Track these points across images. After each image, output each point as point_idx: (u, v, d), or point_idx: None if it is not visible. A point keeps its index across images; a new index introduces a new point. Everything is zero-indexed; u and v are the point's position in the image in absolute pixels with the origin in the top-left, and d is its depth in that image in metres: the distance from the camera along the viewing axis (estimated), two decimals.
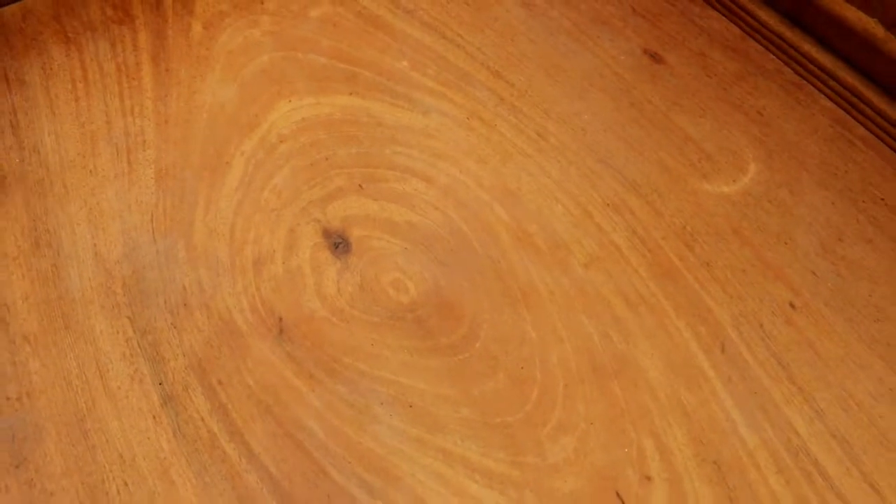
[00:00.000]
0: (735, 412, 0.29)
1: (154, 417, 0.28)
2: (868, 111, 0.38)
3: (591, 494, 0.27)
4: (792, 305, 0.32)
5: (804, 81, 0.40)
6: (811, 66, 0.39)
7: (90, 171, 0.35)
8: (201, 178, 0.34)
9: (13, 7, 0.42)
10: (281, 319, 0.30)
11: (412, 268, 0.32)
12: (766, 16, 0.41)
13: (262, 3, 0.42)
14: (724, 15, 0.42)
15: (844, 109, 0.39)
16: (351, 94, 0.38)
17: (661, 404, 0.29)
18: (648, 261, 0.33)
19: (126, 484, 0.27)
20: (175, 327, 0.30)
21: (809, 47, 0.40)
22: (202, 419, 0.28)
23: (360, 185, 0.34)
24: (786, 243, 0.34)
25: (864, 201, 0.35)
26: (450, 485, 0.27)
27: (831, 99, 0.39)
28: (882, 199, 0.35)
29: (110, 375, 0.29)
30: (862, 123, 0.38)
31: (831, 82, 0.39)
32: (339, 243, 0.32)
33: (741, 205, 0.35)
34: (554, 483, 0.27)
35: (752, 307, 0.32)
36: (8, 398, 0.29)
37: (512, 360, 0.30)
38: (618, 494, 0.27)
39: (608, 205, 0.34)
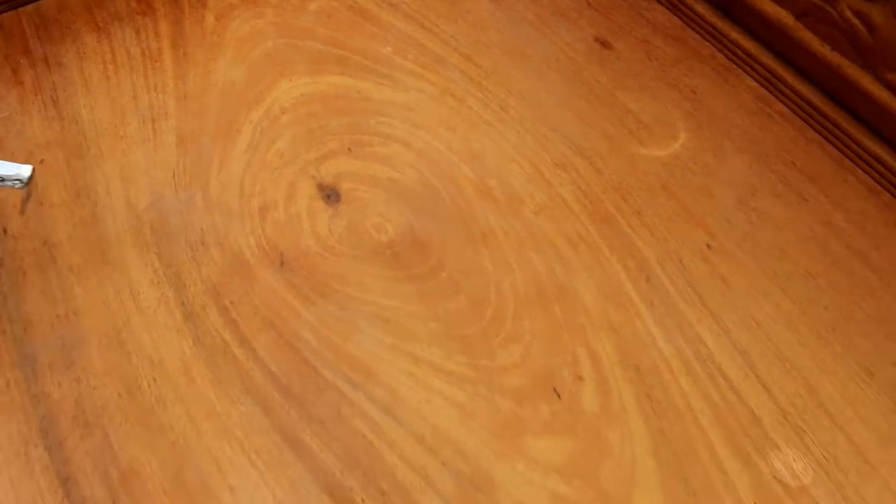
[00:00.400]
0: (655, 329, 0.36)
1: (178, 330, 0.35)
2: (785, 90, 0.44)
3: (532, 389, 0.34)
4: (708, 246, 0.38)
5: (733, 65, 0.46)
6: (739, 52, 0.46)
7: (121, 137, 0.41)
8: (215, 142, 0.41)
9: (49, 0, 0.49)
10: (282, 254, 0.37)
11: (391, 214, 0.39)
12: (703, 9, 0.48)
13: None
14: (667, 8, 0.49)
15: (766, 88, 0.45)
16: (342, 74, 0.45)
17: (593, 322, 0.36)
18: (589, 210, 0.39)
19: (155, 380, 0.33)
20: (194, 260, 0.37)
21: (737, 35, 0.46)
22: (217, 331, 0.35)
23: (349, 149, 0.41)
24: (706, 197, 0.40)
25: (776, 164, 0.42)
26: (418, 381, 0.34)
27: (755, 79, 0.45)
28: (792, 163, 0.42)
29: (141, 298, 0.36)
30: (780, 100, 0.45)
31: (755, 65, 0.45)
32: (330, 195, 0.39)
33: (671, 166, 0.41)
34: (502, 380, 0.34)
35: (674, 247, 0.38)
36: (58, 315, 0.35)
37: (471, 286, 0.36)
38: (555, 390, 0.34)
39: (557, 165, 0.41)
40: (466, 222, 0.38)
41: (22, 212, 0.38)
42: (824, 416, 0.34)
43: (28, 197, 0.39)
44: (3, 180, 0.34)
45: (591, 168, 0.41)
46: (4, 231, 0.38)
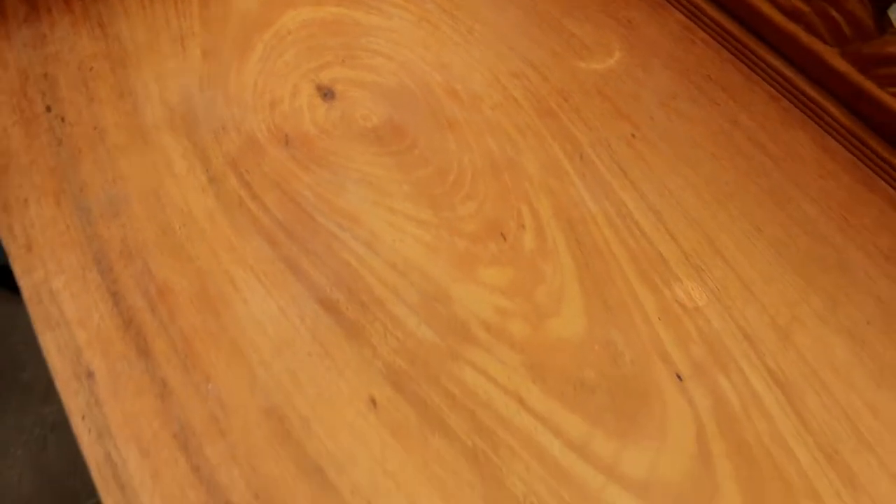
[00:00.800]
0: (585, 193, 0.44)
1: (203, 190, 0.43)
2: (707, 20, 0.53)
3: (483, 233, 0.42)
4: (633, 135, 0.47)
5: (665, 2, 0.55)
6: None
7: (156, 51, 0.50)
8: (233, 55, 0.50)
9: None
10: (287, 136, 0.46)
11: (375, 108, 0.47)
12: None
13: None
14: None
15: (691, 20, 0.54)
16: (339, 5, 0.53)
17: (534, 187, 0.44)
18: (535, 107, 0.48)
19: (184, 224, 0.42)
20: (216, 141, 0.45)
21: None
22: (234, 190, 0.43)
23: (342, 60, 0.50)
24: (634, 100, 0.49)
25: (695, 77, 0.51)
26: (393, 226, 0.42)
27: (682, 13, 0.54)
28: (708, 76, 0.51)
29: (173, 167, 0.44)
30: (702, 29, 0.53)
31: (684, 1, 0.54)
32: (326, 93, 0.48)
33: (606, 76, 0.50)
34: (460, 226, 0.42)
35: (604, 135, 0.47)
36: (107, 180, 0.44)
37: (438, 160, 0.45)
38: (501, 234, 0.42)
39: (512, 74, 0.49)
40: (436, 114, 0.47)
41: (76, 106, 0.47)
42: (719, 259, 0.43)
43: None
44: None
45: (540, 77, 0.49)
46: (63, 119, 0.47)
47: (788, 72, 0.49)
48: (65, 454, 0.99)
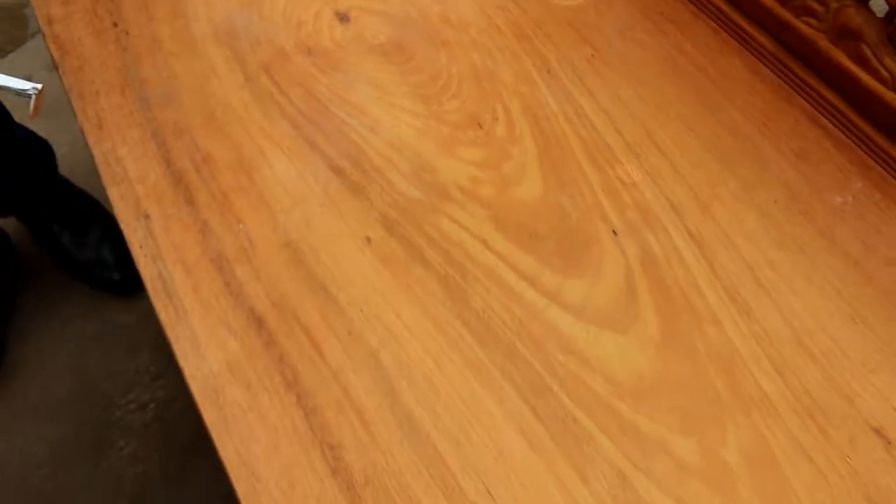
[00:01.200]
0: (549, 97, 0.53)
1: (240, 86, 0.53)
2: None
3: (464, 123, 0.51)
4: (593, 55, 0.56)
5: None
6: None
7: None
8: None
9: None
10: (309, 48, 0.56)
11: (383, 29, 0.57)
12: None
13: None
14: None
15: None
16: None
17: (508, 91, 0.54)
18: (514, 32, 0.57)
19: (225, 112, 0.52)
20: (252, 51, 0.55)
21: None
22: (265, 87, 0.53)
23: None
24: (597, 30, 0.58)
25: (651, 13, 0.60)
26: (393, 116, 0.51)
27: None
28: (661, 13, 0.60)
29: (217, 70, 0.54)
30: None
31: None
32: (343, 17, 0.57)
33: (576, 11, 0.59)
34: (446, 117, 0.52)
35: (569, 55, 0.56)
36: (162, 78, 0.54)
37: (431, 69, 0.54)
38: (479, 124, 0.52)
39: (497, 7, 0.59)
40: (431, 36, 0.57)
41: (138, 23, 0.57)
42: (655, 149, 0.52)
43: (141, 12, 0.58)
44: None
45: (520, 9, 0.59)
46: (127, 33, 0.57)
47: (726, 8, 0.58)
48: (102, 363, 1.10)
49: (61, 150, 1.16)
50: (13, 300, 1.19)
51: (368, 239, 0.46)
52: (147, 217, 0.47)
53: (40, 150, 1.14)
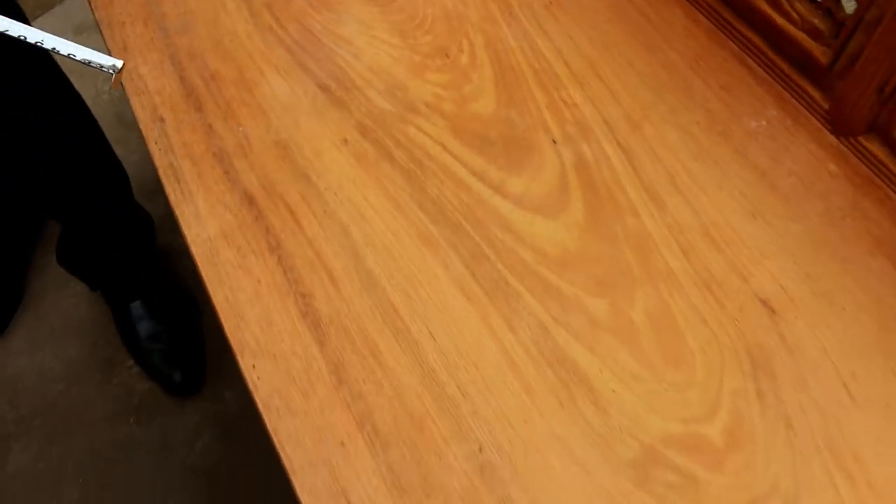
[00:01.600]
0: (509, 35, 0.62)
1: (245, 20, 0.62)
2: None
3: (433, 52, 0.60)
4: (550, 2, 0.64)
5: None
6: None
7: None
8: None
9: None
10: None
11: None
12: None
13: None
14: None
15: None
16: None
17: (474, 29, 0.62)
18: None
19: (232, 40, 0.61)
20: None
21: None
22: (267, 22, 0.62)
23: None
24: None
25: None
26: (374, 46, 0.60)
27: None
28: None
29: (226, 6, 0.63)
30: None
31: None
32: None
33: None
34: (418, 48, 0.60)
35: (529, 1, 0.65)
36: (179, 12, 0.63)
37: (410, 10, 0.63)
38: (446, 54, 0.60)
39: None
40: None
41: None
42: (597, 79, 0.60)
43: None
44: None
45: None
46: None
47: None
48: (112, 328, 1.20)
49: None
50: (33, 247, 1.28)
51: (346, 140, 0.55)
52: (162, 120, 0.56)
53: (144, 221, 1.17)
